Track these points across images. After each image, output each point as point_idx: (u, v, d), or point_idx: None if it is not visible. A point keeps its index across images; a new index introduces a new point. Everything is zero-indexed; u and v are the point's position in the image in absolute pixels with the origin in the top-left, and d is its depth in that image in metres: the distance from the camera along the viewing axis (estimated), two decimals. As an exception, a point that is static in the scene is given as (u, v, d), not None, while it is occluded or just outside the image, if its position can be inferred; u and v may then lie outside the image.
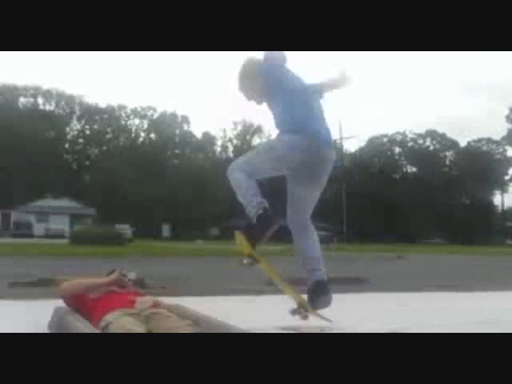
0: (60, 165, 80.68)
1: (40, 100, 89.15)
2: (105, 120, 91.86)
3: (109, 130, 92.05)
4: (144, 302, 4.47)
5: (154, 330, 3.88)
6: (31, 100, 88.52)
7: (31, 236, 53.21)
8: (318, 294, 4.23)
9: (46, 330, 4.82)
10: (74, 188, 73.87)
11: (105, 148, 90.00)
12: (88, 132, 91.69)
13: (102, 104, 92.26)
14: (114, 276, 4.80)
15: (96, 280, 4.83)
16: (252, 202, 4.04)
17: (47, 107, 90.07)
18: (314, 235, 4.36)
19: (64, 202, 66.63)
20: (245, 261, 4.22)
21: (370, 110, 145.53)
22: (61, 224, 59.57)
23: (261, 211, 3.99)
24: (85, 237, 32.29)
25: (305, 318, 4.41)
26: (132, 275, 4.87)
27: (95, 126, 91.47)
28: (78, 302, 4.69)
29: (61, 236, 50.77)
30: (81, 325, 4.18)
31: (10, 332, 3.52)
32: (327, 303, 4.29)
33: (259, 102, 4.43)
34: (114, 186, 73.62)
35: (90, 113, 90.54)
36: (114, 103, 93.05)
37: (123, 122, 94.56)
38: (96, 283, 4.79)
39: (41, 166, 74.47)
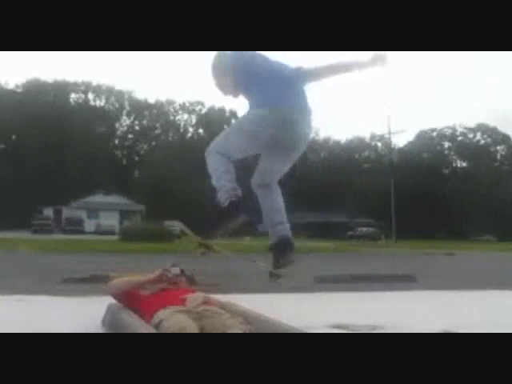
0: (110, 160, 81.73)
1: (90, 96, 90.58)
2: (154, 115, 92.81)
3: (158, 125, 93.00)
4: (195, 298, 4.49)
5: (205, 327, 3.90)
6: (82, 96, 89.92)
7: (82, 232, 54.00)
8: (281, 252, 4.11)
9: (98, 327, 4.91)
10: (124, 184, 74.77)
11: (154, 143, 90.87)
12: (137, 127, 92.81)
13: (151, 99, 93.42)
14: (157, 272, 4.84)
15: (141, 277, 4.88)
16: (225, 186, 4.02)
17: (97, 103, 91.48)
18: (277, 192, 4.25)
19: (114, 199, 67.50)
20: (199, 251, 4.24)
21: (419, 104, 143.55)
22: (111, 220, 60.38)
23: (234, 198, 3.95)
24: (134, 233, 32.57)
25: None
26: (176, 270, 4.88)
27: (144, 122, 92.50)
28: (129, 299, 4.75)
29: (111, 232, 51.47)
30: (134, 321, 4.23)
31: (63, 330, 3.62)
32: (290, 261, 4.17)
33: (235, 95, 4.32)
34: (162, 181, 74.18)
35: (140, 108, 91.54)
36: (163, 98, 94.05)
37: (172, 118, 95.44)
38: (141, 280, 4.85)
39: (91, 162, 75.49)
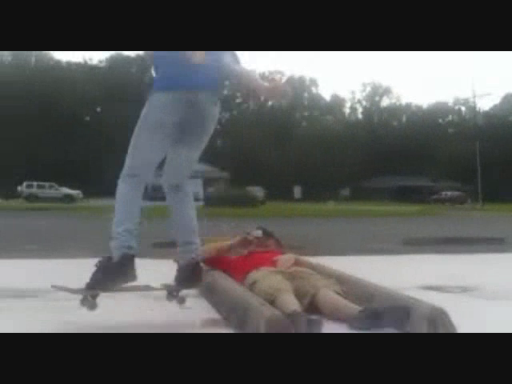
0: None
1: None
2: (234, 85, 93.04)
3: (238, 94, 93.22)
4: (286, 260, 4.55)
5: (298, 288, 3.95)
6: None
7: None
8: (189, 275, 3.78)
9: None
10: (207, 152, 75.51)
11: (235, 112, 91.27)
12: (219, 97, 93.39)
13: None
14: (239, 237, 4.91)
15: (225, 243, 4.97)
16: (121, 237, 3.47)
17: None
18: (189, 200, 3.94)
19: (198, 167, 67.69)
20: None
21: (505, 65, 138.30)
22: (195, 187, 61.27)
23: (125, 259, 3.44)
24: (218, 199, 33.04)
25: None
26: (258, 233, 4.93)
27: (225, 91, 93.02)
28: (218, 264, 4.84)
29: (195, 199, 52.16)
30: (229, 283, 4.33)
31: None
32: (198, 283, 3.90)
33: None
34: (244, 149, 74.62)
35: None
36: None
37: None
38: (226, 245, 4.93)
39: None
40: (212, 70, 3.62)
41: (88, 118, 78.32)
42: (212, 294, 4.40)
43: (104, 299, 3.56)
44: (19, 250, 8.37)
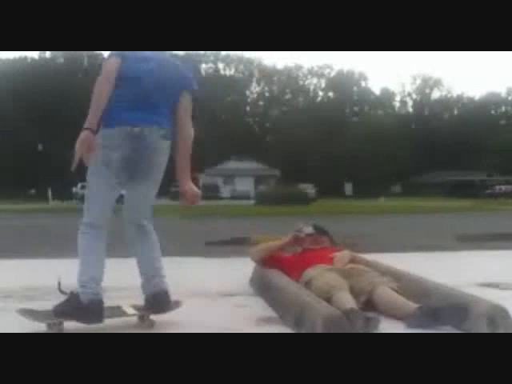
0: (242, 127, 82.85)
1: (220, 65, 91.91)
2: (283, 81, 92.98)
3: (287, 90, 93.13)
4: (342, 257, 4.54)
5: (354, 285, 3.94)
6: (212, 66, 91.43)
7: (219, 198, 55.27)
8: (157, 308, 3.68)
9: (246, 285, 5.07)
10: (257, 150, 75.66)
11: (284, 109, 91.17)
12: (267, 94, 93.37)
13: (280, 65, 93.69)
14: (290, 235, 4.89)
15: (278, 242, 4.96)
16: (88, 286, 3.44)
17: (227, 72, 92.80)
18: (149, 239, 3.78)
19: (248, 164, 68.52)
20: None
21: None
22: (246, 185, 61.52)
23: (92, 304, 3.43)
24: (269, 197, 33.06)
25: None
26: (309, 229, 4.91)
27: (274, 88, 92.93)
28: (272, 263, 4.85)
29: (246, 197, 52.48)
30: (283, 281, 4.33)
31: (214, 288, 3.72)
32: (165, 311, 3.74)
33: None
34: (294, 146, 74.44)
35: (269, 75, 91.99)
36: (291, 64, 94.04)
37: (301, 82, 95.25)
38: (279, 244, 4.93)
39: (224, 129, 76.83)
40: (162, 105, 3.60)
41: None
42: (267, 292, 4.41)
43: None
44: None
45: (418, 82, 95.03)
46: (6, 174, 60.39)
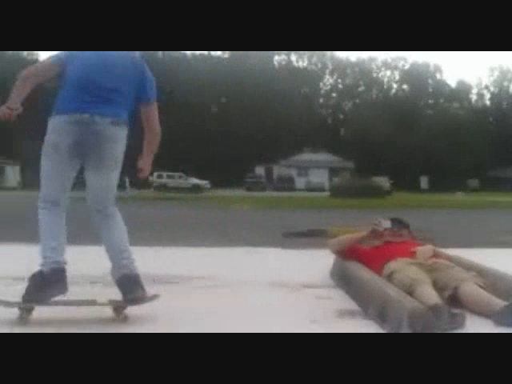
0: (315, 119, 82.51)
1: (293, 57, 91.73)
2: (356, 73, 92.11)
3: (361, 82, 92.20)
4: (425, 251, 4.48)
5: (438, 280, 3.88)
6: (285, 58, 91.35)
7: (293, 189, 55.31)
8: (126, 290, 3.61)
9: (326, 277, 5.07)
10: (331, 142, 75.29)
11: (358, 101, 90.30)
12: (340, 86, 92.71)
13: (353, 57, 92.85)
14: (368, 228, 4.84)
15: (356, 234, 4.93)
16: (48, 257, 3.52)
17: (300, 64, 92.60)
18: (113, 223, 3.77)
19: (323, 156, 68.41)
20: None
21: None
22: (320, 177, 61.41)
23: (54, 273, 3.49)
24: (344, 190, 32.84)
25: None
26: (387, 224, 4.84)
27: (347, 80, 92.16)
28: (351, 255, 4.82)
29: (321, 189, 52.41)
30: (365, 273, 4.31)
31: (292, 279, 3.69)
32: (139, 297, 3.64)
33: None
34: (368, 138, 73.71)
35: (342, 67, 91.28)
36: (365, 56, 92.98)
37: (374, 75, 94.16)
38: (358, 237, 4.89)
39: (298, 121, 76.66)
40: (115, 96, 3.69)
41: (215, 109, 79.88)
42: (349, 285, 4.40)
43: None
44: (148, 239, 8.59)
45: (496, 74, 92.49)
46: None
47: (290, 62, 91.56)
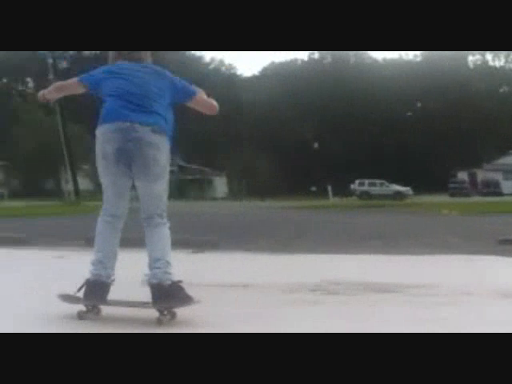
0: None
1: (489, 56, 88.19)
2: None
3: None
4: None
5: None
6: (480, 58, 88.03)
7: (500, 194, 52.92)
8: (154, 297, 3.76)
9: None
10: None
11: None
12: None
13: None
14: None
15: None
16: (93, 266, 3.90)
17: (497, 63, 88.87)
18: (158, 234, 3.92)
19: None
20: None
21: None
22: (495, 177, 58.68)
23: (92, 285, 3.86)
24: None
25: None
26: None
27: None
28: None
29: (496, 193, 50.35)
30: None
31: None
32: (171, 306, 3.74)
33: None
34: None
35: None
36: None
37: None
38: None
39: (498, 123, 73.29)
40: (155, 107, 3.96)
41: (410, 114, 78.46)
42: None
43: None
44: (364, 246, 8.65)
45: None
46: (286, 173, 63.03)
47: (485, 61, 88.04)
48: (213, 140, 65.83)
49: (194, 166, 62.05)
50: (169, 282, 3.77)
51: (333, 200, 41.14)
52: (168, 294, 3.74)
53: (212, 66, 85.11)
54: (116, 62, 4.15)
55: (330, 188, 43.77)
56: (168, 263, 3.83)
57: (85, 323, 3.70)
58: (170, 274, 3.81)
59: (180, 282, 3.80)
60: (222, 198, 54.11)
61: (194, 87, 4.22)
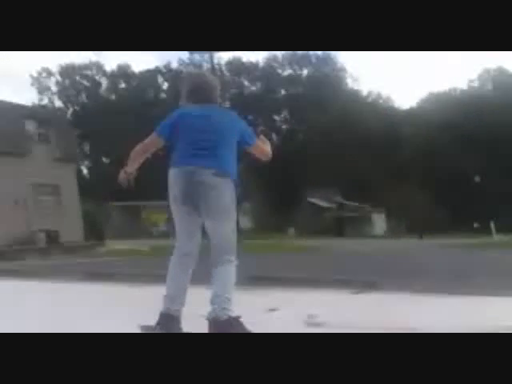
0: None
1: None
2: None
3: None
4: None
5: None
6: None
7: None
8: (212, 331, 3.96)
9: None
10: None
11: None
12: None
13: None
14: None
15: None
16: (164, 301, 4.22)
17: None
18: (223, 272, 4.16)
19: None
20: None
21: None
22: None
23: (163, 318, 4.16)
24: None
25: None
26: None
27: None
28: None
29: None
30: None
31: None
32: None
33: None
34: None
35: None
36: None
37: None
38: None
39: None
40: (218, 151, 4.23)
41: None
42: None
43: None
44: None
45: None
46: (446, 208, 60.58)
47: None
48: (371, 176, 64.68)
49: (352, 203, 61.51)
50: (225, 317, 3.97)
51: (496, 237, 39.02)
52: (223, 329, 3.91)
53: (369, 100, 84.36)
54: (187, 103, 4.50)
55: (492, 224, 41.51)
56: (228, 300, 4.03)
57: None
58: (228, 310, 3.99)
59: (239, 317, 4.01)
60: (381, 236, 53.01)
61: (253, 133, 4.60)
